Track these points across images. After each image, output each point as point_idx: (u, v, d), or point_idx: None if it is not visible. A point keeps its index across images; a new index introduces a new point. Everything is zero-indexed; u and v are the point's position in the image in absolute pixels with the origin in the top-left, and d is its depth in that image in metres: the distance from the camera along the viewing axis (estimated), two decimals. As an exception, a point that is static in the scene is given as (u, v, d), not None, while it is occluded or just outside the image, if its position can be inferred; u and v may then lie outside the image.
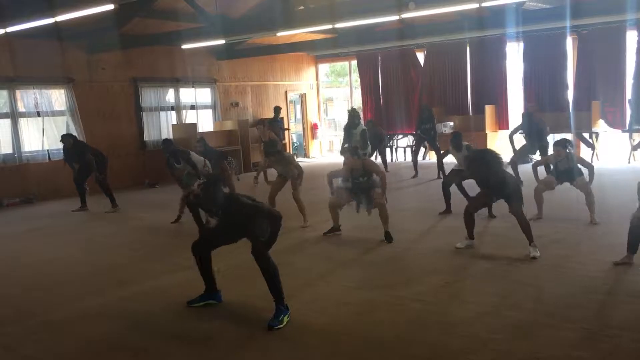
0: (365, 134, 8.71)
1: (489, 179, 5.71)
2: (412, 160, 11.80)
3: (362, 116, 13.57)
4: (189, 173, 8.03)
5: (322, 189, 8.72)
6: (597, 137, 12.45)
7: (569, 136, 12.36)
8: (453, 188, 7.32)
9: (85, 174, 9.65)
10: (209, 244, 4.58)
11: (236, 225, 4.36)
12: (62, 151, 11.34)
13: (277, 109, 14.08)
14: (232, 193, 4.36)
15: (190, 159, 8.07)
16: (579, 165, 6.90)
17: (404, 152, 15.33)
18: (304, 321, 4.16)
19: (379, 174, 6.56)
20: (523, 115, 10.54)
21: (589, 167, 6.85)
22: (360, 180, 6.51)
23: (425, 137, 11.40)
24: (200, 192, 4.43)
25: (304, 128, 17.01)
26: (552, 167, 7.11)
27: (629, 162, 11.91)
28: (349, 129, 9.65)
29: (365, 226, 6.98)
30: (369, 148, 9.26)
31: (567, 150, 6.79)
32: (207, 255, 4.60)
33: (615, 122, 12.48)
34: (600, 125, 12.54)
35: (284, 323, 4.10)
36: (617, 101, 12.42)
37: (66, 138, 9.71)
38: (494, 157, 5.71)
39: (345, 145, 6.92)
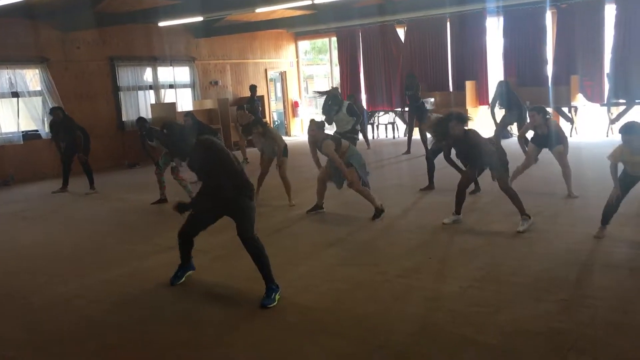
0: (352, 108, 8.60)
1: (456, 143, 5.71)
2: (407, 136, 11.67)
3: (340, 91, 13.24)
4: (165, 154, 7.95)
5: (306, 167, 8.71)
6: (575, 111, 12.58)
7: (547, 110, 12.50)
8: (440, 164, 7.37)
9: (72, 152, 9.42)
10: (194, 227, 4.53)
11: (209, 172, 4.20)
12: (39, 131, 11.19)
13: (253, 88, 13.86)
14: (206, 137, 4.25)
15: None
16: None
17: (385, 129, 15.34)
18: (289, 299, 4.17)
19: (333, 160, 6.36)
20: (499, 84, 10.59)
21: (563, 137, 6.91)
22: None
23: (410, 105, 11.21)
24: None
25: (284, 106, 16.90)
26: (531, 133, 7.16)
27: (607, 136, 12.06)
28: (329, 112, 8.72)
29: (350, 204, 6.99)
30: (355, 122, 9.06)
31: (543, 115, 6.83)
32: (191, 239, 4.58)
33: (594, 96, 12.61)
34: (579, 100, 12.66)
35: (276, 301, 4.10)
36: (596, 75, 12.54)
37: (56, 111, 9.42)
38: (454, 116, 5.66)
39: (314, 119, 6.82)
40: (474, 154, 5.72)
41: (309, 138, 6.77)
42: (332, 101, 8.62)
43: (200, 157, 4.17)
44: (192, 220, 4.51)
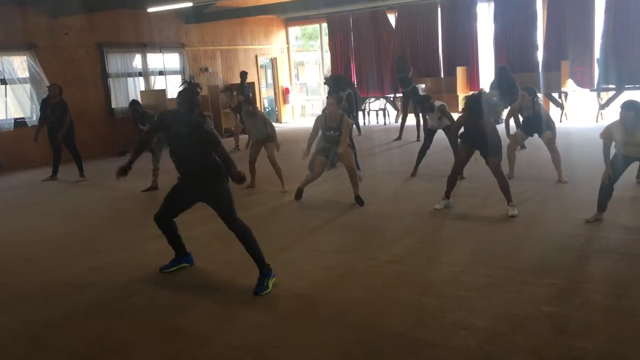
0: (351, 98, 8.61)
1: (478, 124, 5.68)
2: (400, 123, 11.68)
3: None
4: (159, 139, 7.89)
5: (297, 154, 8.68)
6: (566, 96, 12.61)
7: (538, 95, 12.54)
8: (434, 150, 7.41)
9: (57, 136, 9.19)
10: (169, 210, 4.52)
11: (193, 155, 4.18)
12: (25, 119, 11.05)
13: (244, 74, 13.72)
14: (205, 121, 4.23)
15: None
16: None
17: (376, 115, 15.31)
18: (281, 286, 4.17)
19: (344, 138, 6.38)
20: (498, 69, 10.67)
21: (551, 123, 6.93)
22: (332, 133, 6.44)
23: (403, 90, 11.20)
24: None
25: (275, 93, 16.81)
26: (520, 119, 7.20)
27: (597, 121, 12.11)
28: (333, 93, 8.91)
29: (342, 190, 6.99)
30: (354, 112, 9.13)
31: (532, 97, 6.85)
32: (169, 221, 4.56)
33: (584, 81, 12.64)
34: (569, 85, 12.69)
35: (270, 288, 4.09)
36: (586, 61, 12.56)
37: (53, 87, 9.20)
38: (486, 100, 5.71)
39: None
40: (484, 140, 5.70)
41: (319, 116, 6.67)
42: (333, 88, 8.61)
43: (192, 135, 4.12)
44: (166, 203, 4.52)
